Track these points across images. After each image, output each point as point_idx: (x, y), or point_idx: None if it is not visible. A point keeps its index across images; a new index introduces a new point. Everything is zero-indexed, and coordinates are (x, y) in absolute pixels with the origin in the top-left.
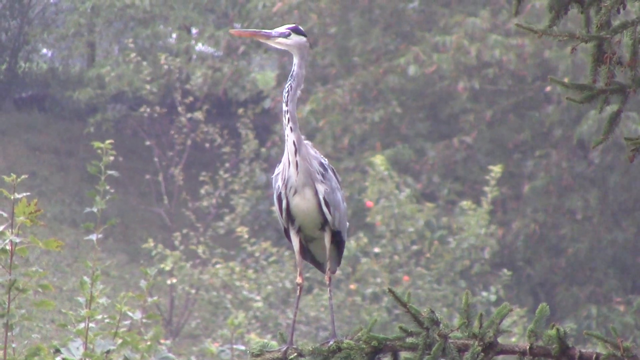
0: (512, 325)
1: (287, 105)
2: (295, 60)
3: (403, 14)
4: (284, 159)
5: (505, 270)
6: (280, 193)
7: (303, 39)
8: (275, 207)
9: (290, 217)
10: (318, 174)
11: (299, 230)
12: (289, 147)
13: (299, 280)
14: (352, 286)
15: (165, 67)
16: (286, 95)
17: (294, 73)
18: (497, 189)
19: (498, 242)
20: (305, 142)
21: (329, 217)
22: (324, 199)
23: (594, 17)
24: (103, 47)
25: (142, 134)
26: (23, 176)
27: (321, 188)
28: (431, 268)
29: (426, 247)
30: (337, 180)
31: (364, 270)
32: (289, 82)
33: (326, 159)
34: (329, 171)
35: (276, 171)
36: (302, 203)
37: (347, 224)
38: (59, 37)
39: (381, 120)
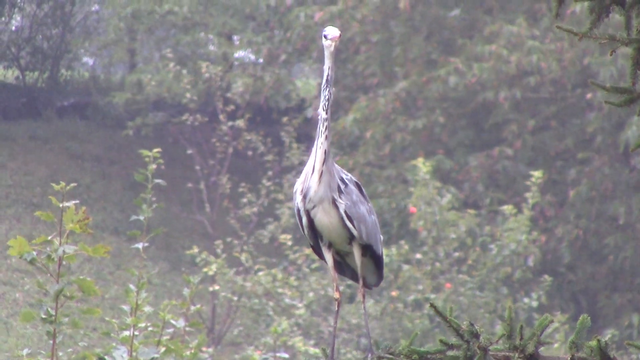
0: (553, 332)
1: (326, 113)
2: (329, 64)
3: (444, 22)
4: (306, 169)
5: (546, 276)
6: (299, 209)
7: (327, 41)
8: (298, 224)
9: (316, 232)
10: (337, 189)
11: (330, 246)
12: (318, 156)
13: (336, 295)
14: (394, 293)
15: (207, 75)
16: (326, 102)
17: (330, 78)
18: (539, 195)
19: (540, 248)
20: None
21: (354, 231)
22: (346, 212)
23: (635, 20)
24: (144, 55)
25: (183, 141)
26: (72, 184)
27: (341, 202)
28: (473, 275)
29: (468, 254)
30: (362, 193)
31: (406, 277)
32: (327, 89)
33: (349, 174)
34: (350, 185)
35: (295, 187)
36: (325, 217)
37: (381, 237)
38: (101, 45)
39: (424, 127)
